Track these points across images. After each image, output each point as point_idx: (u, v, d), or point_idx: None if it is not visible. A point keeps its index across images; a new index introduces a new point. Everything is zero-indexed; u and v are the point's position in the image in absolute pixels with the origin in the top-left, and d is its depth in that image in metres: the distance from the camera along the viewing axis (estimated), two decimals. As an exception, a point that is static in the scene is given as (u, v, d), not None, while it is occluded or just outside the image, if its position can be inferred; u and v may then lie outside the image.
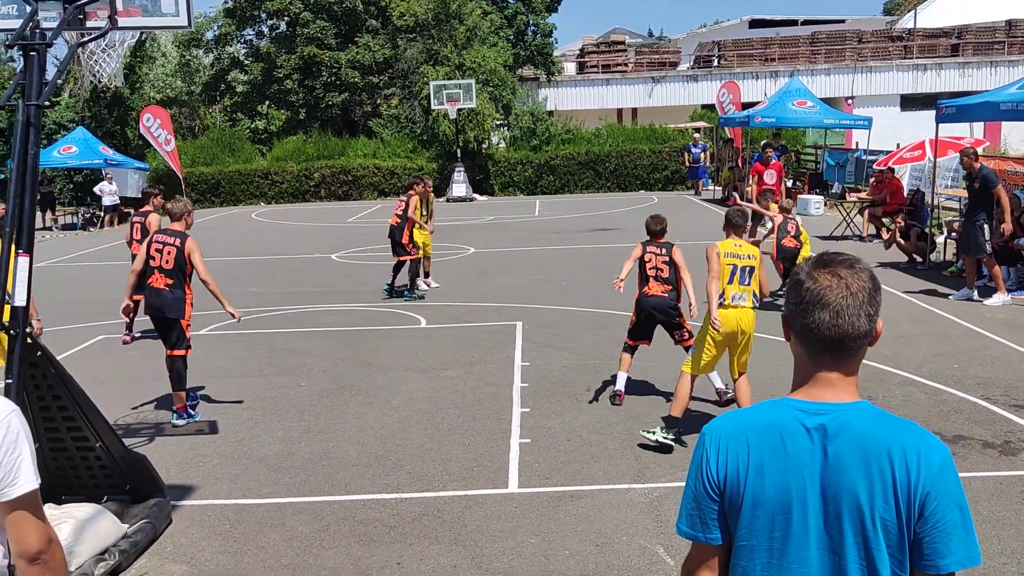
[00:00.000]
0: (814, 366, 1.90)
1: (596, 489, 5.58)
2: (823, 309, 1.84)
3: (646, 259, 7.13)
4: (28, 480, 2.14)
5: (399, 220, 12.03)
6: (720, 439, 1.93)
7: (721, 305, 6.18)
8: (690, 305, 6.88)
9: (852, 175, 21.58)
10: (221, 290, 7.09)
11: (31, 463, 2.15)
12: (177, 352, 7.14)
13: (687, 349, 6.87)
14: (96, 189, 24.67)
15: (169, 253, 7.10)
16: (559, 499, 5.46)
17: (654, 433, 6.20)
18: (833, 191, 20.83)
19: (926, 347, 8.72)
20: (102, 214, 24.86)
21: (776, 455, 1.85)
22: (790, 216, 10.74)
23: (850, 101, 35.35)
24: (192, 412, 7.28)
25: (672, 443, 6.16)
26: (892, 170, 16.75)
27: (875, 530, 1.79)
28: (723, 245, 6.37)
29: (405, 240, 12.00)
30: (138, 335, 9.88)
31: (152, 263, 7.14)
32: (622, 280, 7.16)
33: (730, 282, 6.23)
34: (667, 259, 7.06)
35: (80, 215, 25.61)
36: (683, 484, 5.88)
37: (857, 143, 25.24)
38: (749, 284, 6.27)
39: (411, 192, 12.17)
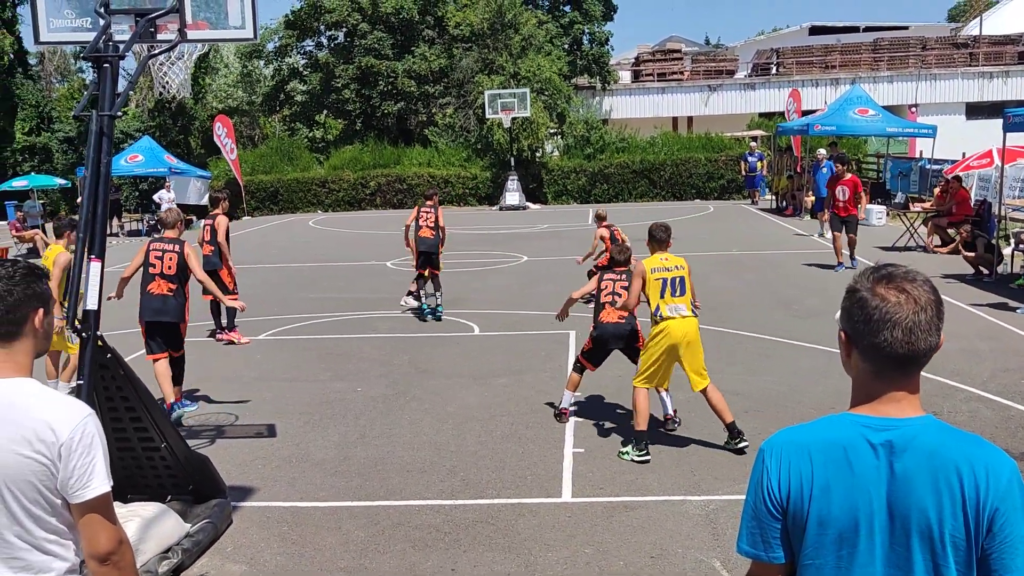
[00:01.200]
0: (881, 383, 1.86)
1: (650, 500, 5.54)
2: (895, 327, 1.79)
3: (602, 287, 7.10)
4: (101, 483, 2.21)
5: (433, 233, 11.22)
6: (781, 456, 1.89)
7: (661, 318, 6.20)
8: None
9: (916, 184, 21.08)
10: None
11: (104, 466, 2.22)
12: (178, 353, 7.61)
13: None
14: (156, 197, 25.35)
15: (171, 259, 7.46)
16: (613, 509, 5.43)
17: (628, 453, 6.26)
18: (896, 201, 20.37)
19: (993, 362, 8.47)
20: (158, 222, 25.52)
21: (842, 473, 1.82)
22: None
23: (914, 109, 34.57)
24: (187, 402, 7.81)
25: (646, 459, 6.16)
26: (959, 179, 16.33)
27: (943, 546, 1.76)
28: (649, 262, 6.36)
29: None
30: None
31: (152, 270, 7.45)
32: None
33: (662, 296, 6.25)
34: (626, 284, 6.81)
35: (145, 221, 26.32)
36: (739, 497, 5.79)
37: (921, 152, 24.63)
38: (684, 294, 6.29)
39: (432, 202, 11.50)
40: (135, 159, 25.01)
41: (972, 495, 1.73)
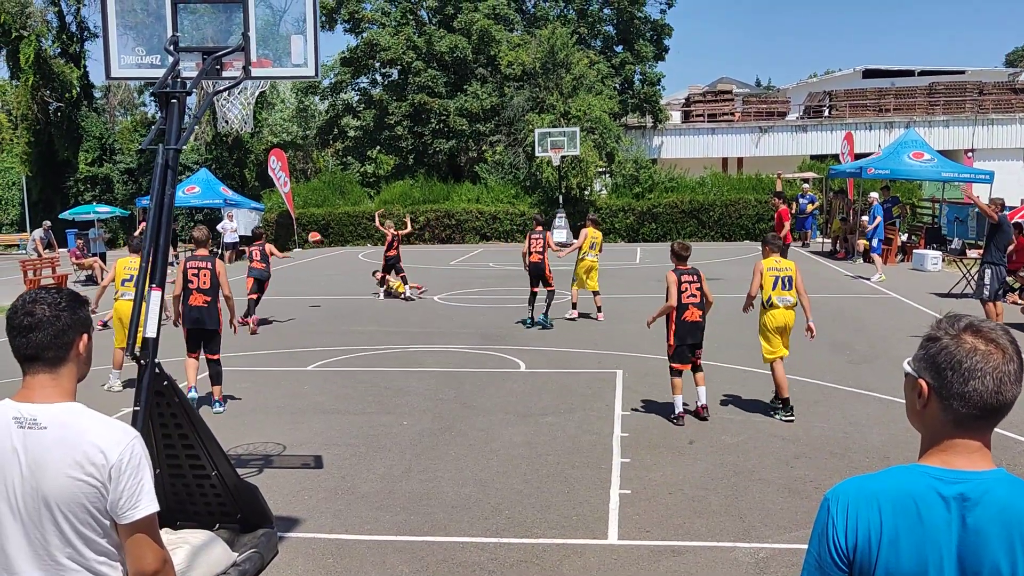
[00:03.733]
0: (959, 434, 1.81)
1: (699, 546, 5.43)
2: (985, 376, 1.76)
3: (682, 287, 8.15)
4: (149, 504, 2.25)
5: (540, 257, 13.22)
6: (849, 506, 1.85)
7: (772, 306, 8.17)
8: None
9: (973, 230, 20.64)
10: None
11: (151, 487, 2.27)
12: (215, 356, 8.75)
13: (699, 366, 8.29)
14: (219, 227, 25.96)
15: (205, 275, 8.66)
16: (660, 553, 5.34)
17: (779, 413, 8.13)
18: (952, 247, 19.96)
19: (1056, 415, 8.19)
20: (220, 251, 26.11)
21: (911, 525, 1.78)
22: None
23: (970, 154, 34.00)
24: (220, 402, 8.78)
25: (791, 419, 8.01)
26: (1019, 226, 15.95)
27: None
28: (766, 262, 8.27)
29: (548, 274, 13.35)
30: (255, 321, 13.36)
31: (191, 286, 8.66)
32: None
33: (773, 288, 8.17)
34: (699, 285, 8.20)
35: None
36: (790, 546, 5.66)
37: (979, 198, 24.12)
38: (790, 289, 8.19)
39: (539, 228, 13.67)
40: (192, 190, 25.67)
41: None
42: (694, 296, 8.05)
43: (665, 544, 5.46)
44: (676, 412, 8.04)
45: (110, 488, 2.19)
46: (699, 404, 8.16)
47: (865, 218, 20.39)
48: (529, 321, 13.35)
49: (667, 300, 8.12)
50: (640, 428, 7.92)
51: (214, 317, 8.66)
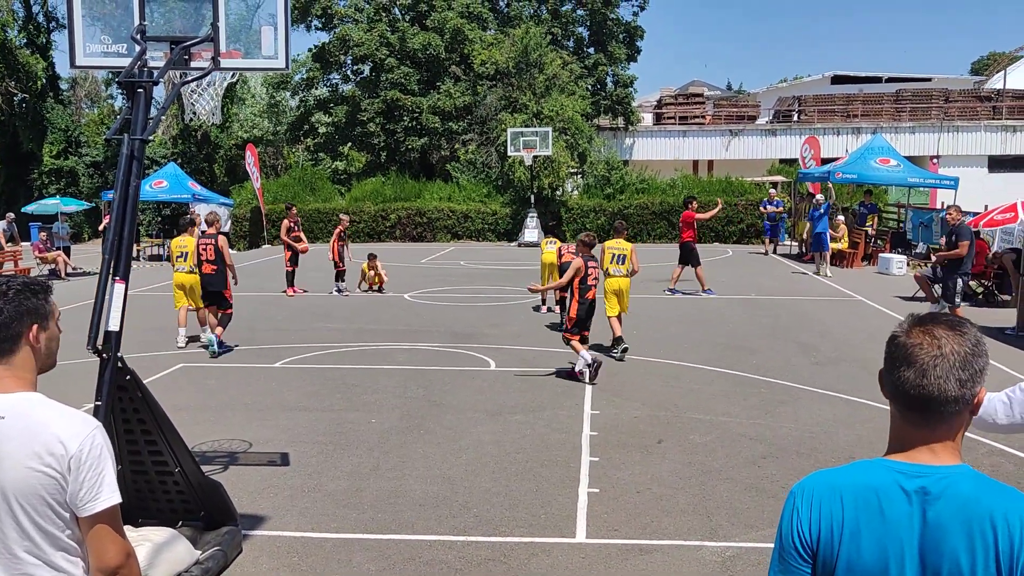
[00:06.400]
0: (909, 428, 1.85)
1: (666, 544, 5.44)
2: (910, 367, 1.79)
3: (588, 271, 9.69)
4: (110, 495, 2.20)
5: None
6: (813, 498, 1.87)
7: (609, 275, 10.98)
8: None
9: (938, 235, 20.96)
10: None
11: (113, 479, 2.21)
12: (227, 311, 11.50)
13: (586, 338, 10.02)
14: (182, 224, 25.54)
15: (210, 249, 11.47)
16: (628, 552, 5.34)
17: (615, 353, 10.71)
18: (918, 251, 20.27)
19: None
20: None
21: (873, 518, 1.79)
22: None
23: (935, 160, 34.54)
24: (224, 343, 11.29)
25: (624, 354, 10.67)
26: (978, 233, 16.23)
27: None
28: (608, 243, 11.24)
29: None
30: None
31: (203, 257, 11.50)
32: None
33: (611, 262, 11.05)
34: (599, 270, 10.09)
35: (167, 248, 26.45)
36: (757, 545, 5.69)
37: (943, 203, 24.54)
38: (624, 263, 10.99)
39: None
40: (160, 185, 25.30)
41: (1006, 548, 1.71)
42: (596, 280, 9.81)
43: (633, 543, 5.47)
44: (589, 363, 9.47)
45: (69, 480, 2.13)
46: (578, 368, 9.66)
47: (841, 217, 20.72)
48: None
49: (562, 278, 9.99)
50: (609, 427, 7.93)
51: (220, 280, 11.42)
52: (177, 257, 11.93)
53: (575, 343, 9.67)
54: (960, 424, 1.85)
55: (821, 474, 1.93)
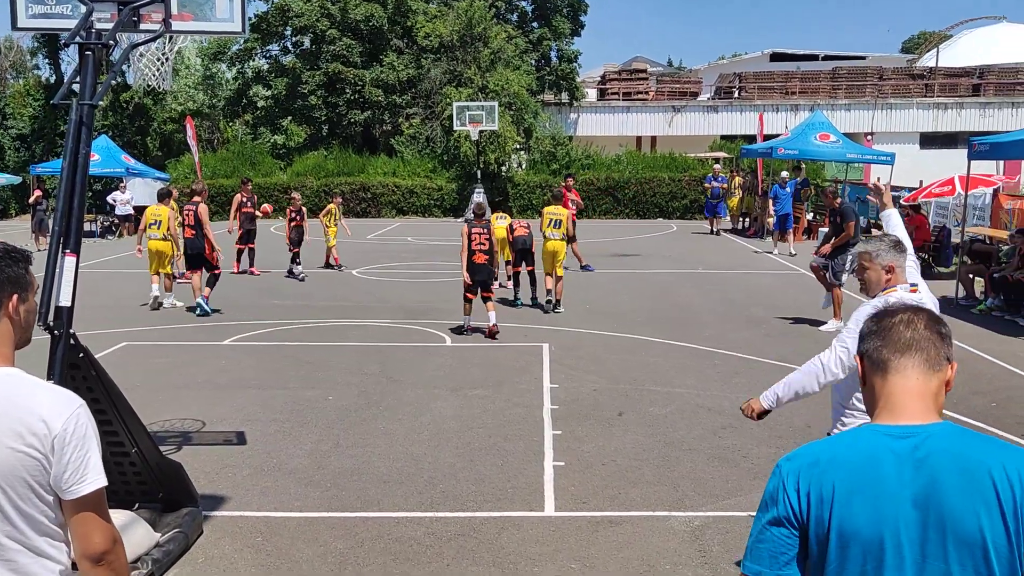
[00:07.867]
0: (890, 388, 1.89)
1: (635, 515, 5.46)
2: (894, 329, 1.92)
3: (472, 237, 10.57)
4: (96, 478, 2.07)
5: (528, 231, 13.09)
6: (800, 470, 1.85)
7: (545, 238, 12.27)
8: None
9: (874, 210, 21.45)
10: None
11: (99, 460, 2.08)
12: (215, 272, 12.31)
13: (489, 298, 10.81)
14: (109, 199, 24.65)
15: (190, 214, 12.32)
16: (597, 524, 5.34)
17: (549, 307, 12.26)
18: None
19: (961, 386, 8.56)
20: (118, 223, 24.86)
21: (865, 482, 1.78)
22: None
23: (870, 137, 35.31)
24: (207, 306, 12.03)
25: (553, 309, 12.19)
26: (917, 207, 16.67)
27: (985, 554, 1.71)
28: (548, 208, 12.61)
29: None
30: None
31: (185, 222, 12.40)
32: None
33: (548, 226, 12.36)
34: (488, 236, 10.67)
35: (99, 223, 25.53)
36: (724, 514, 5.73)
37: (879, 179, 25.13)
38: (559, 227, 12.33)
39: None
40: (92, 158, 24.34)
41: (1008, 498, 1.70)
42: (483, 244, 10.57)
43: (602, 515, 5.47)
44: (466, 326, 10.73)
45: (53, 460, 1.99)
46: (490, 325, 10.55)
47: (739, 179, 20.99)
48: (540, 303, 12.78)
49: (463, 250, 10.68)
50: (569, 400, 7.92)
51: (200, 243, 12.28)
52: (150, 225, 12.86)
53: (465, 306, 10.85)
54: (939, 390, 1.90)
55: (810, 446, 1.95)
